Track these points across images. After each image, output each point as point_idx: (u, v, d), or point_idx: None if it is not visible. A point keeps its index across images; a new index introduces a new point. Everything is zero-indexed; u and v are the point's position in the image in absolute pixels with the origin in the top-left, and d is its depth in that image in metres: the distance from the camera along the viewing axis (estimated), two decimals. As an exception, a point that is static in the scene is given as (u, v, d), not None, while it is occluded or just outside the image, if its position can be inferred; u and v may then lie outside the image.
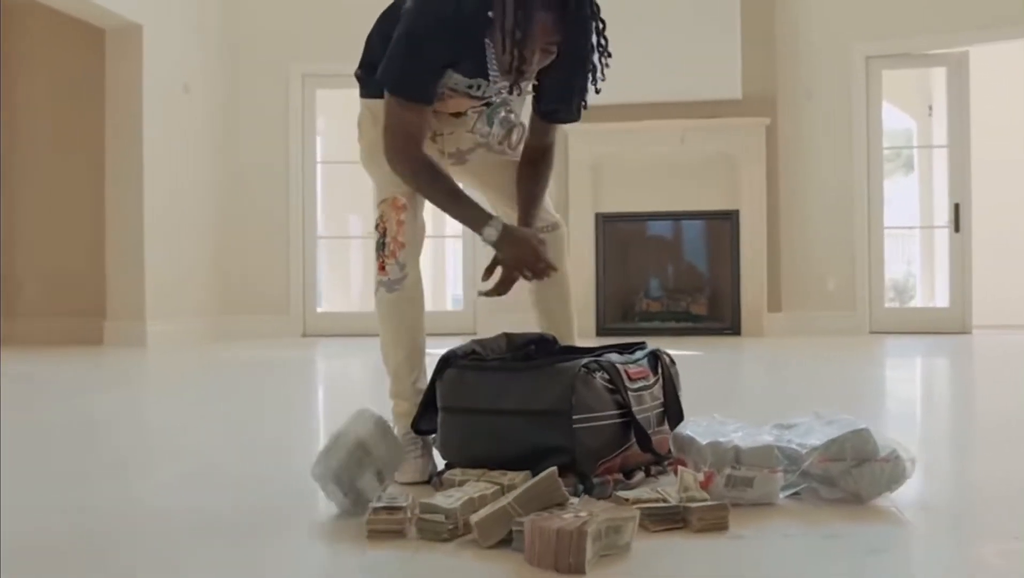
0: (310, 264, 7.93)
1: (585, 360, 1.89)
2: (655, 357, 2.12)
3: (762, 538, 1.56)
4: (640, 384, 2.00)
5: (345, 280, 10.18)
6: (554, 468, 1.62)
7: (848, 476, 1.80)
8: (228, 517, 1.79)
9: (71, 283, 7.36)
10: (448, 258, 10.40)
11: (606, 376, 1.90)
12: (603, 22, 1.96)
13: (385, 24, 2.15)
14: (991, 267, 8.14)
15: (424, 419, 2.04)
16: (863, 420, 1.88)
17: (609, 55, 1.98)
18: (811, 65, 7.51)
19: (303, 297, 7.85)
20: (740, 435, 1.84)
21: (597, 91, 2.05)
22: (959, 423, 3.09)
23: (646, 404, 1.99)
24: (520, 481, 1.73)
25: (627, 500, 1.69)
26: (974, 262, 7.53)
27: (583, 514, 1.46)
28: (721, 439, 1.80)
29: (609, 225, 7.62)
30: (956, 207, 7.47)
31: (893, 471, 1.82)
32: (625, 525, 1.48)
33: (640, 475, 1.97)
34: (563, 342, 2.30)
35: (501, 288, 2.11)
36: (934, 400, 3.83)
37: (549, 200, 2.31)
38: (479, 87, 2.11)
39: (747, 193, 7.33)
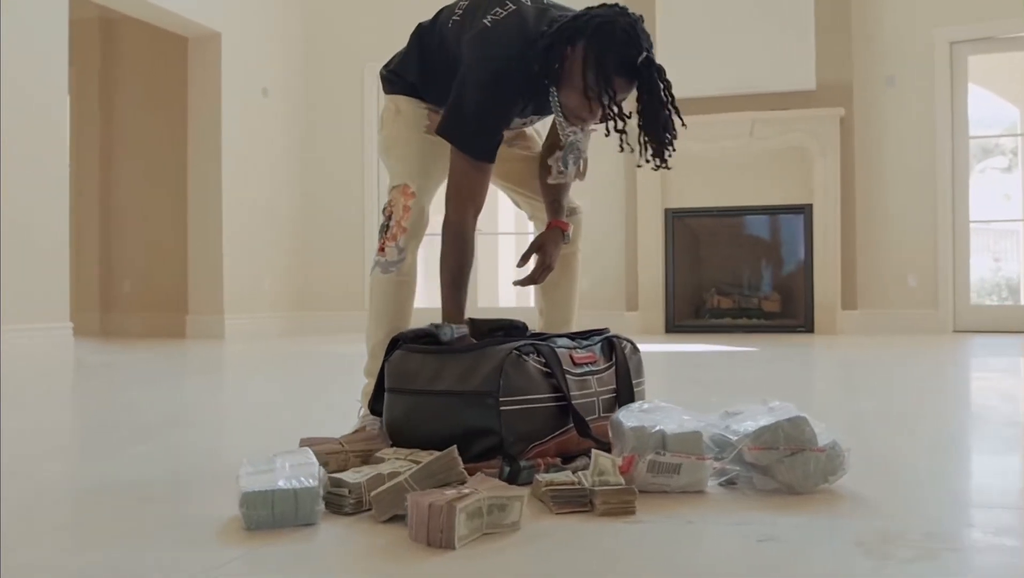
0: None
1: (519, 343, 1.89)
2: (610, 344, 2.10)
3: (661, 524, 1.53)
4: (585, 369, 1.99)
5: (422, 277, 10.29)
6: (453, 447, 1.64)
7: (782, 465, 1.75)
8: (161, 484, 1.87)
9: (159, 280, 7.78)
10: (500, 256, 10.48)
11: (541, 359, 1.90)
12: (670, 83, 2.03)
13: (426, 40, 2.27)
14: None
15: (378, 400, 2.08)
16: (803, 409, 1.82)
17: (678, 112, 2.04)
18: (890, 52, 7.24)
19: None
20: (670, 420, 1.80)
21: (663, 155, 2.07)
22: (967, 425, 2.95)
23: (590, 389, 1.98)
24: (435, 459, 1.74)
25: (541, 482, 1.68)
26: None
27: (465, 491, 1.47)
28: (646, 424, 1.77)
29: (679, 221, 7.52)
30: (1048, 200, 7.07)
31: (830, 462, 1.76)
32: (511, 503, 1.48)
33: (583, 461, 1.95)
34: (561, 325, 2.36)
35: (537, 276, 2.28)
36: (977, 401, 3.66)
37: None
38: (531, 122, 2.30)
39: (821, 186, 7.12)
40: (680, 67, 6.97)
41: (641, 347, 2.22)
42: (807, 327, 7.20)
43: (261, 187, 7.48)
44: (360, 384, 2.34)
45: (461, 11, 2.21)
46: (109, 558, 1.38)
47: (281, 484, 1.51)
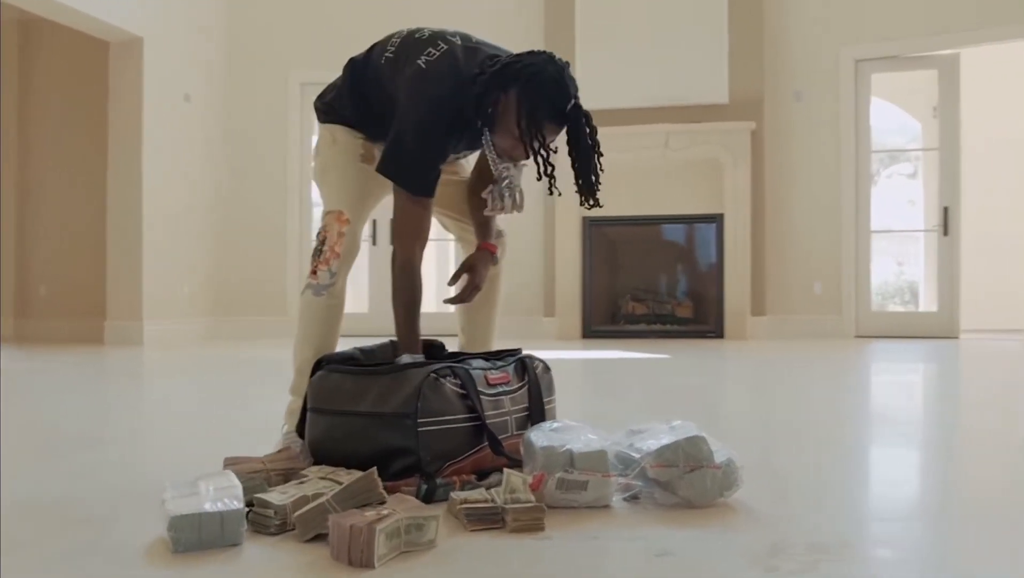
0: (306, 267, 8.07)
1: (437, 366, 1.99)
2: (522, 364, 2.21)
3: (568, 540, 1.65)
4: (499, 389, 2.09)
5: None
6: (373, 469, 1.73)
7: (683, 481, 1.88)
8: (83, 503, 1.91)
9: (76, 285, 7.64)
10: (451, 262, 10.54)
11: (458, 381, 2.00)
12: (595, 129, 2.15)
13: (359, 76, 2.36)
14: (981, 271, 8.10)
15: (304, 423, 2.16)
16: (701, 427, 1.96)
17: (601, 154, 2.17)
18: (798, 69, 7.54)
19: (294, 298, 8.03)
20: (578, 439, 1.92)
21: (594, 196, 2.20)
22: (871, 436, 3.15)
23: (504, 408, 2.08)
24: (356, 479, 1.82)
25: (456, 500, 1.78)
26: (964, 266, 7.52)
27: (385, 512, 1.56)
28: (555, 443, 1.89)
29: (596, 229, 7.70)
30: (945, 210, 7.46)
31: (726, 478, 1.90)
32: (427, 523, 1.58)
33: (497, 477, 2.05)
34: (480, 344, 2.47)
35: (467, 294, 2.37)
36: (862, 410, 3.88)
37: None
38: (464, 156, 2.43)
39: (732, 197, 7.37)
40: (598, 80, 7.27)
41: (558, 354, 2.34)
42: (718, 332, 7.45)
43: (182, 192, 7.43)
44: (285, 401, 2.41)
45: (394, 48, 2.29)
46: (38, 583, 1.43)
47: (207, 507, 1.58)
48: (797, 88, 7.53)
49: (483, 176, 2.43)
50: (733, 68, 7.31)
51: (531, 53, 2.17)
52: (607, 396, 4.02)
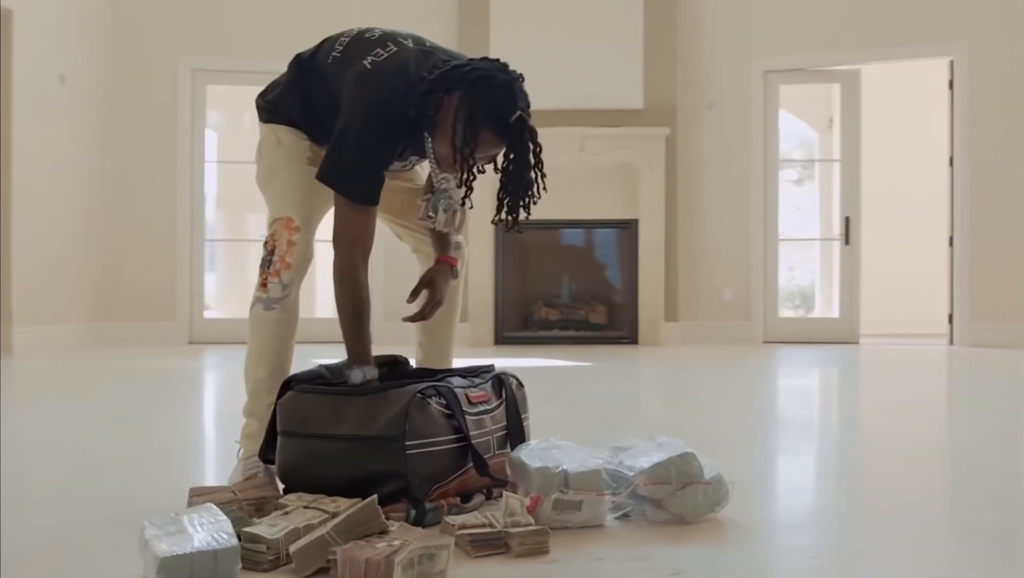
0: (197, 268, 7.74)
1: (421, 386, 1.91)
2: (499, 381, 2.16)
3: (575, 562, 1.61)
4: (480, 408, 2.03)
5: (236, 285, 9.96)
6: (374, 497, 1.65)
7: (674, 498, 1.87)
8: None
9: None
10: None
11: (443, 401, 1.93)
12: (540, 146, 2.03)
13: (306, 74, 2.22)
14: (880, 278, 8.42)
15: (271, 448, 2.05)
16: (690, 444, 1.95)
17: (544, 176, 2.06)
18: (711, 78, 7.70)
19: (189, 302, 7.67)
20: (569, 459, 1.89)
21: (528, 210, 2.09)
22: (800, 441, 3.21)
23: (486, 428, 2.03)
24: (345, 508, 1.74)
25: (453, 525, 1.72)
26: (865, 273, 7.80)
27: (396, 543, 1.49)
28: (550, 464, 1.85)
29: (508, 233, 7.65)
30: (847, 220, 7.73)
31: (715, 493, 1.89)
32: (439, 552, 1.51)
33: (480, 498, 2.00)
34: (438, 359, 2.40)
35: (427, 311, 2.25)
36: (782, 418, 3.97)
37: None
38: (410, 164, 2.28)
39: (646, 202, 7.46)
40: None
41: (474, 362, 2.28)
42: (632, 338, 7.53)
43: (57, 186, 6.81)
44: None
45: (342, 48, 2.17)
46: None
47: (198, 545, 1.47)
48: (709, 97, 7.68)
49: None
50: (648, 74, 7.40)
51: (484, 59, 2.08)
52: (556, 405, 4.00)
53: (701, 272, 7.70)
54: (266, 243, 2.20)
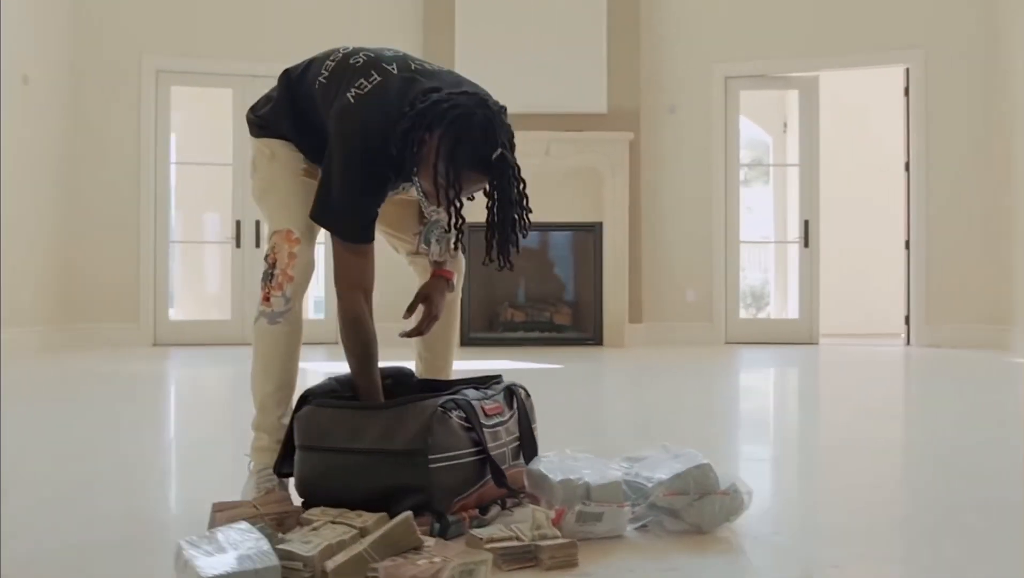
0: (162, 269, 7.66)
1: (442, 399, 1.92)
2: (510, 392, 2.17)
3: (606, 574, 1.63)
4: (496, 420, 2.05)
5: (199, 286, 9.86)
6: (409, 513, 1.65)
7: (691, 508, 1.90)
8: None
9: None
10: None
11: (462, 414, 1.94)
12: (523, 181, 2.01)
13: (296, 92, 2.20)
14: (838, 280, 8.60)
15: (286, 462, 2.04)
16: (704, 454, 1.99)
17: (529, 210, 2.03)
18: (674, 83, 7.79)
19: (154, 304, 7.60)
20: (590, 471, 1.91)
21: (520, 240, 2.06)
22: (781, 446, 3.28)
23: (502, 440, 2.04)
24: (374, 523, 1.74)
25: (481, 539, 1.73)
26: (823, 275, 7.96)
27: (437, 560, 1.50)
28: (572, 476, 1.87)
29: (475, 234, 7.61)
30: (806, 223, 7.88)
31: (731, 503, 1.93)
32: (478, 568, 1.52)
33: (496, 509, 2.01)
34: (438, 370, 2.41)
35: (424, 326, 2.26)
36: (763, 422, 4.05)
37: None
38: (402, 189, 2.23)
39: (610, 206, 7.53)
40: (478, 83, 7.21)
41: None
42: (596, 340, 7.59)
43: (20, 186, 6.67)
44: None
45: (327, 73, 2.13)
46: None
47: (241, 564, 1.47)
48: (671, 102, 7.77)
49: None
50: (612, 79, 7.47)
51: (464, 93, 2.00)
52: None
53: (664, 274, 7.79)
54: (267, 256, 2.18)
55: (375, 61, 2.10)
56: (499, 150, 1.95)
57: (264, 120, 2.25)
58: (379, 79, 2.05)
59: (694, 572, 1.65)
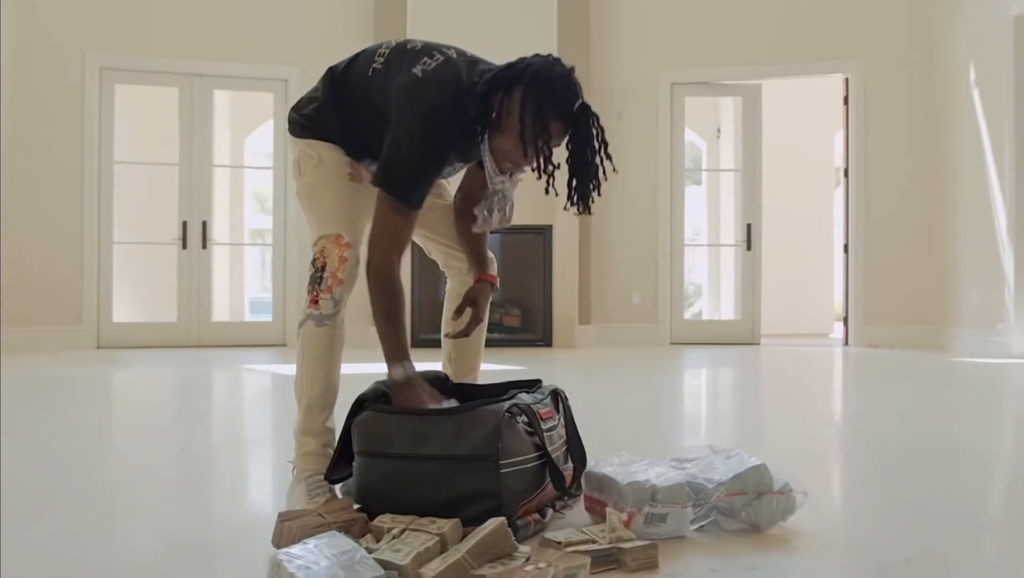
0: (105, 271, 7.46)
1: (507, 404, 1.92)
2: (556, 395, 2.19)
3: (692, 575, 1.66)
4: (550, 424, 2.06)
5: (144, 288, 9.56)
6: (503, 518, 1.65)
7: (749, 508, 1.94)
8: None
9: None
10: (248, 264, 10.06)
11: (525, 419, 1.95)
12: (603, 129, 2.08)
13: (341, 88, 2.21)
14: (772, 282, 8.84)
15: (338, 468, 2.02)
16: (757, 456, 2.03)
17: (610, 157, 2.10)
18: (622, 89, 7.90)
19: (97, 306, 7.39)
20: (651, 473, 1.94)
21: (599, 191, 2.12)
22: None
23: (556, 444, 2.06)
24: (450, 529, 1.73)
25: (558, 542, 1.74)
26: (763, 277, 8.17)
27: (542, 565, 1.50)
28: (639, 478, 1.89)
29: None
30: (748, 227, 8.07)
31: (786, 502, 1.98)
32: (579, 572, 1.54)
33: (550, 513, 2.02)
34: (467, 373, 2.40)
35: (470, 329, 2.32)
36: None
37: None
38: (455, 169, 2.26)
39: (560, 209, 7.54)
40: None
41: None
42: (546, 341, 7.64)
43: None
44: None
45: (383, 59, 2.18)
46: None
47: (348, 576, 1.45)
48: (619, 108, 7.87)
49: (469, 198, 2.39)
50: (562, 85, 7.52)
51: (535, 55, 2.10)
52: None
53: (611, 276, 7.89)
54: (314, 260, 2.18)
55: (435, 45, 2.19)
56: (580, 100, 2.04)
57: (308, 120, 2.25)
58: (442, 58, 2.13)
59: (773, 570, 1.69)
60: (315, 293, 2.15)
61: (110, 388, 5.14)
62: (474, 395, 2.25)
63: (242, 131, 9.79)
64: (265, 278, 9.85)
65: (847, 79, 7.69)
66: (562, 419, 2.16)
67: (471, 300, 2.33)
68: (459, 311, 2.32)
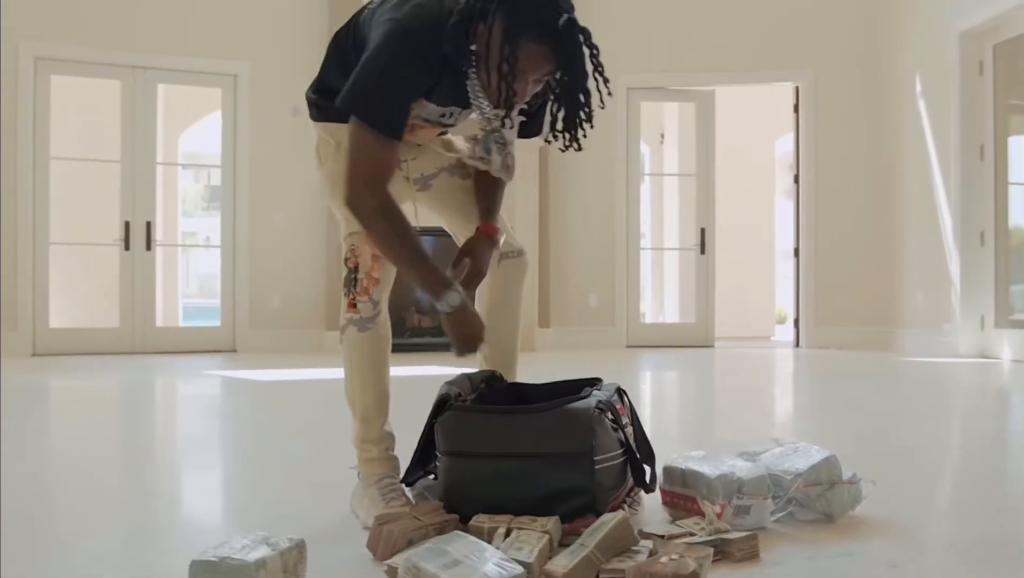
0: (41, 274, 7.18)
1: (594, 400, 1.95)
2: (620, 392, 2.21)
3: (793, 563, 1.71)
4: (625, 421, 2.09)
5: (83, 292, 9.25)
6: (625, 513, 1.68)
7: (822, 498, 2.01)
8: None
9: None
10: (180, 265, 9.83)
11: (611, 416, 1.97)
12: (597, 48, 1.84)
13: (343, 45, 2.02)
14: (728, 285, 9.03)
15: (417, 469, 2.01)
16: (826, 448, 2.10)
17: (607, 80, 1.87)
18: (578, 94, 7.96)
19: (33, 311, 7.11)
20: (731, 466, 1.98)
21: (591, 122, 1.90)
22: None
23: (630, 441, 2.09)
24: (552, 526, 1.74)
25: (660, 536, 1.77)
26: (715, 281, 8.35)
27: (675, 557, 1.53)
28: (727, 471, 1.94)
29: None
30: (702, 231, 8.24)
31: (856, 492, 2.05)
32: (705, 562, 1.57)
33: (626, 508, 2.05)
34: (504, 371, 2.37)
35: (469, 281, 2.07)
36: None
37: (511, 229, 2.32)
38: (451, 115, 2.03)
39: (521, 212, 7.62)
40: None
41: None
42: (506, 344, 7.65)
43: None
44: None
45: (375, 2, 1.99)
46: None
47: (492, 575, 1.45)
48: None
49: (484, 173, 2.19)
50: (521, 89, 7.56)
51: None
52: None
53: (569, 280, 7.96)
54: (346, 259, 2.03)
55: None
56: (565, 16, 1.76)
57: (320, 96, 2.06)
58: None
59: (868, 556, 1.75)
60: (352, 296, 2.02)
61: (60, 399, 4.97)
62: (533, 395, 2.25)
63: (175, 128, 9.44)
64: (192, 283, 9.63)
65: (797, 88, 7.93)
66: (630, 416, 2.19)
67: (467, 251, 2.10)
68: (456, 263, 2.07)
